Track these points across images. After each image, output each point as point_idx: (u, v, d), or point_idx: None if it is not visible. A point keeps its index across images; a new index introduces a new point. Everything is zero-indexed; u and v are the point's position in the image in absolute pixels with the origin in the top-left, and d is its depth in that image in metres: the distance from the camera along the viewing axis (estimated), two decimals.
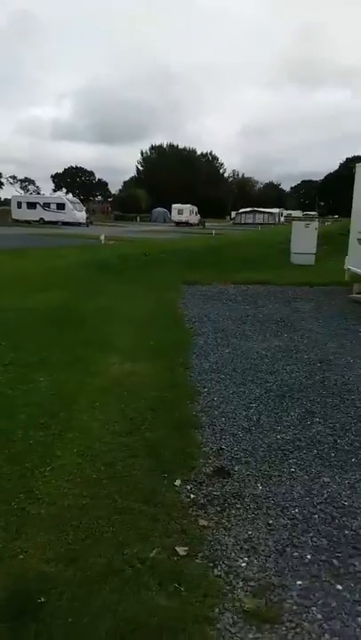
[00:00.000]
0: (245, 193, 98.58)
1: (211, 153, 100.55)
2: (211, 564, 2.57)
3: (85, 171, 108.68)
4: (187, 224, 55.96)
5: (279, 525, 2.90)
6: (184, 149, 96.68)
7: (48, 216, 46.21)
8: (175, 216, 59.71)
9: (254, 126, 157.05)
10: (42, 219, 46.17)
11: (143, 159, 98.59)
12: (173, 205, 60.92)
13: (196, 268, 13.13)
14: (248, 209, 68.14)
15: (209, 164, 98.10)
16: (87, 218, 47.95)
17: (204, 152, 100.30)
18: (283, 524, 2.92)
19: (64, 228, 41.09)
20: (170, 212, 62.43)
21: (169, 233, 34.44)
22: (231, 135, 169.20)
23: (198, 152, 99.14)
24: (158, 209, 68.31)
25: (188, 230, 42.14)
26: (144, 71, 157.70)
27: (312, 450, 3.79)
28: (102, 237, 22.27)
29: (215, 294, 10.28)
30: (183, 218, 58.54)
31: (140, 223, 61.56)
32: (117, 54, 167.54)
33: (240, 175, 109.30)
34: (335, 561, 2.62)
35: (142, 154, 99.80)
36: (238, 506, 3.08)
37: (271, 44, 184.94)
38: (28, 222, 45.03)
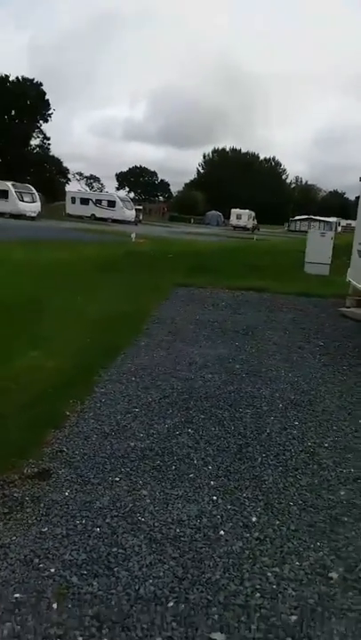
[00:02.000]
0: (308, 200, 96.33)
1: (274, 159, 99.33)
2: None
3: (149, 171, 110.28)
4: (244, 228, 56.08)
5: (51, 535, 2.74)
6: (247, 154, 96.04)
7: (99, 212, 47.21)
8: (234, 220, 60.73)
9: (326, 133, 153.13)
10: (93, 215, 47.23)
11: (205, 162, 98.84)
12: (233, 210, 62.01)
13: (199, 271, 12.89)
14: (304, 216, 66.70)
15: (271, 169, 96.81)
16: (136, 216, 48.54)
17: (268, 157, 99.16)
18: (57, 533, 2.75)
19: (112, 224, 41.82)
20: (229, 215, 62.75)
21: (209, 236, 34.23)
22: (301, 141, 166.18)
23: (261, 157, 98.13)
24: (213, 212, 68.46)
25: (232, 234, 41.66)
26: (218, 75, 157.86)
27: (156, 461, 3.58)
28: (133, 235, 22.47)
29: (201, 298, 10.04)
30: (241, 222, 59.56)
31: (193, 225, 61.63)
32: (193, 57, 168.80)
33: (303, 182, 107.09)
34: (75, 579, 2.43)
35: (204, 156, 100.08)
36: (28, 510, 2.94)
37: (351, 50, 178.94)
38: (80, 217, 46.19)
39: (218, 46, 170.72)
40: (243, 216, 60.53)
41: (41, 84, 68.76)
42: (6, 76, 66.34)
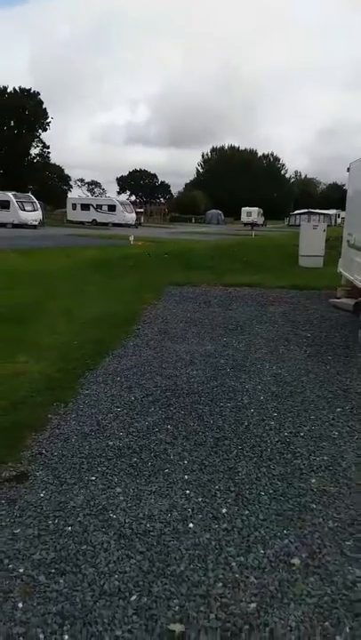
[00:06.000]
0: (308, 194, 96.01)
1: (272, 154, 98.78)
2: None
3: (149, 173, 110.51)
4: (254, 224, 58.63)
5: (23, 536, 2.78)
6: (245, 151, 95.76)
7: (100, 217, 47.32)
8: (244, 217, 63.62)
9: (326, 127, 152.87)
10: (94, 220, 47.35)
11: (204, 161, 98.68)
12: (243, 208, 65.46)
13: (193, 270, 12.95)
14: (304, 210, 66.69)
15: (270, 165, 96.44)
16: (137, 219, 48.68)
17: (266, 153, 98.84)
18: (28, 533, 2.80)
19: (113, 229, 41.93)
20: (239, 213, 66.45)
21: (208, 234, 34.24)
22: (301, 135, 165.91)
23: (260, 153, 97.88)
24: (212, 211, 69.00)
25: (231, 232, 41.58)
26: (216, 74, 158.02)
27: (132, 457, 3.61)
28: (131, 238, 22.52)
29: (194, 296, 10.07)
30: (251, 219, 62.23)
31: (194, 224, 61.79)
32: (191, 57, 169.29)
33: (303, 176, 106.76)
34: (43, 577, 2.47)
35: (203, 156, 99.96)
36: (3, 513, 2.99)
37: (348, 44, 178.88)
38: (81, 223, 46.35)
39: (216, 45, 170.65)
40: (253, 213, 63.84)
41: (38, 94, 69.15)
42: (4, 87, 66.81)
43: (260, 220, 64.38)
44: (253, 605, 2.25)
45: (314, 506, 2.99)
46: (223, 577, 2.44)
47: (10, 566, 2.55)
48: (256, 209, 64.82)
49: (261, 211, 66.20)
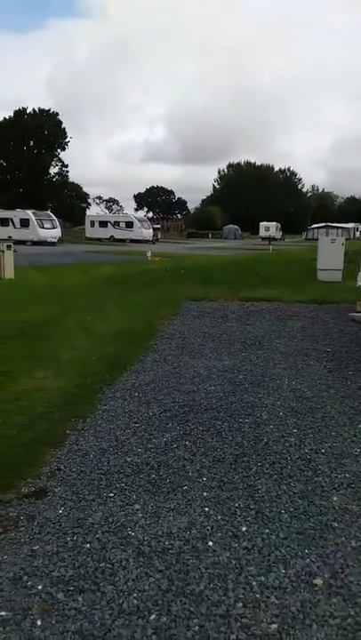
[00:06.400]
0: (325, 208, 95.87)
1: (289, 169, 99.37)
2: None
3: (166, 190, 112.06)
4: (272, 239, 59.30)
5: (42, 552, 2.77)
6: (261, 166, 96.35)
7: (118, 234, 47.94)
8: (263, 232, 65.20)
9: (342, 140, 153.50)
10: (112, 236, 47.99)
11: (220, 177, 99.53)
12: (261, 223, 67.25)
13: (210, 285, 12.97)
14: (321, 224, 66.78)
15: (287, 180, 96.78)
16: (154, 235, 49.15)
17: (283, 168, 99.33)
18: (47, 550, 2.79)
19: (130, 245, 42.37)
20: (257, 228, 68.17)
21: (225, 249, 34.32)
22: (317, 149, 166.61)
23: (276, 168, 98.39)
24: (230, 226, 69.65)
25: (248, 247, 41.65)
26: (232, 90, 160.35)
27: (151, 475, 3.59)
28: (148, 254, 22.72)
29: (211, 311, 10.07)
30: (269, 234, 63.18)
31: (211, 240, 62.11)
32: (207, 74, 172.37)
33: (320, 190, 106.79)
34: (61, 595, 2.46)
35: (219, 172, 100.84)
36: (22, 529, 2.99)
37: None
38: (99, 240, 46.98)
39: (230, 61, 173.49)
40: (271, 228, 65.21)
41: (57, 114, 70.91)
42: (23, 109, 68.63)
43: (279, 235, 65.70)
44: (275, 626, 2.20)
45: (336, 524, 2.93)
46: (244, 597, 2.39)
47: (29, 583, 2.54)
48: (274, 223, 66.18)
49: (280, 225, 67.54)
